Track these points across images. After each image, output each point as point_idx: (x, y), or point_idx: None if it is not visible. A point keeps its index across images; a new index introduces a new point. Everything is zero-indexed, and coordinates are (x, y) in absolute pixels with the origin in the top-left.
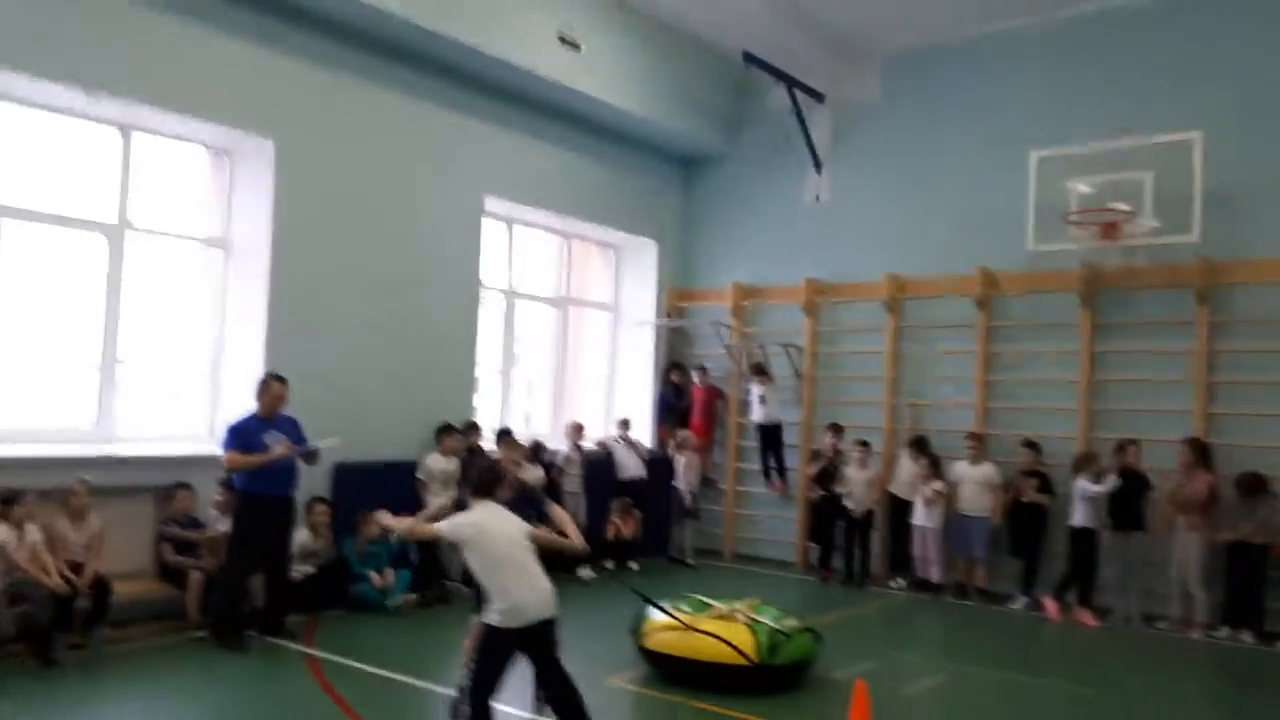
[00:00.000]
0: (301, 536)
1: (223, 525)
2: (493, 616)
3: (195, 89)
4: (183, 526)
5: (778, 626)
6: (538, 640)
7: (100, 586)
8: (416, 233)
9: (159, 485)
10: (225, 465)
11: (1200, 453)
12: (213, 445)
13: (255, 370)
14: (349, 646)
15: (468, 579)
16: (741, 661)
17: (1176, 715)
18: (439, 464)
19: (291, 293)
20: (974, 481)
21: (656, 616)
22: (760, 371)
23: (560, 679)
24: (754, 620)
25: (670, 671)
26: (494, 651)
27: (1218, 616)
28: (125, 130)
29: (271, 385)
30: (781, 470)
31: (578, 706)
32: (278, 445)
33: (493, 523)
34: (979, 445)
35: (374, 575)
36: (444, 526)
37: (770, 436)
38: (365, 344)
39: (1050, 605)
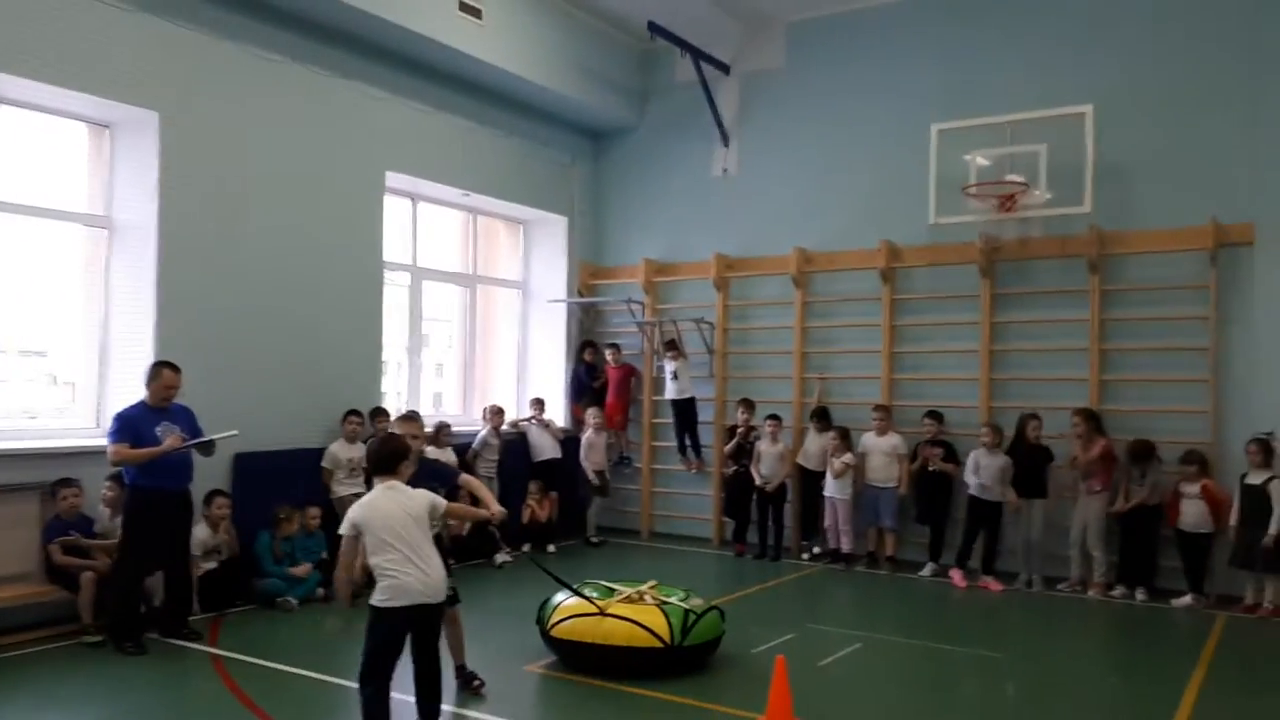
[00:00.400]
0: (200, 532)
1: (114, 522)
2: (377, 597)
3: (70, 59)
4: (72, 525)
5: (688, 607)
6: (421, 624)
7: None
8: (315, 209)
9: (44, 482)
10: (111, 459)
11: (1093, 420)
12: (102, 437)
13: (145, 357)
14: (255, 644)
15: None
16: (655, 644)
17: (1079, 672)
18: (345, 451)
19: (181, 274)
20: (881, 452)
21: (567, 603)
22: (672, 347)
23: (431, 669)
24: (664, 602)
25: (578, 658)
26: (380, 634)
27: (1114, 576)
28: None
29: (163, 373)
30: (697, 447)
31: (437, 695)
32: (169, 437)
33: (385, 501)
34: (885, 417)
35: (295, 570)
36: (342, 529)
37: (684, 413)
38: (263, 327)
39: (955, 574)
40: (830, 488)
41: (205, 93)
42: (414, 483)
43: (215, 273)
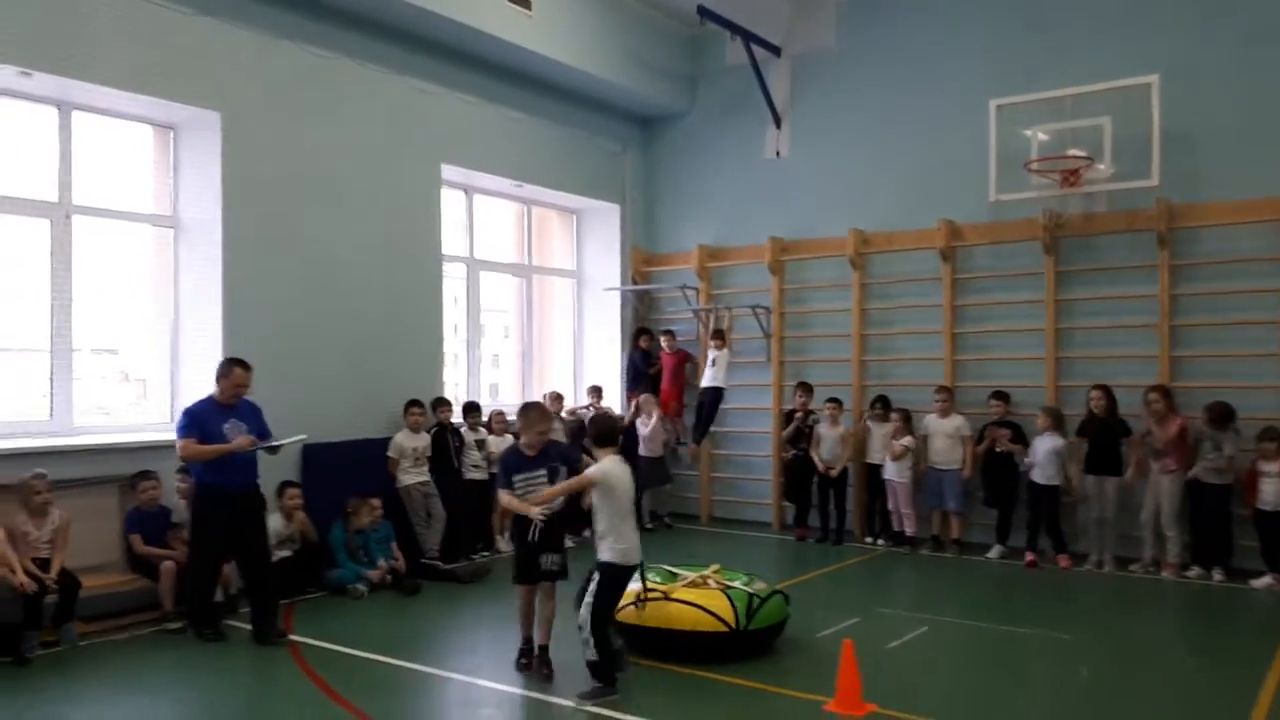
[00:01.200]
0: (274, 522)
1: (189, 513)
2: (613, 555)
3: (134, 63)
4: (151, 516)
5: (752, 590)
6: (627, 583)
7: (68, 581)
8: (373, 204)
9: (122, 475)
10: (179, 453)
11: (1170, 398)
12: (175, 432)
13: (214, 352)
14: (330, 631)
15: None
16: (720, 628)
17: (1154, 654)
18: (409, 441)
19: (246, 271)
20: (944, 434)
21: (630, 587)
22: (718, 336)
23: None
24: (728, 586)
25: (643, 642)
26: (616, 585)
27: (1189, 556)
28: (63, 108)
29: (234, 370)
30: (702, 432)
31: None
32: (238, 437)
33: (622, 471)
34: (948, 398)
35: (372, 573)
36: (593, 472)
37: (710, 401)
38: (326, 321)
39: (1028, 555)
40: (889, 470)
41: (265, 92)
42: (544, 460)
43: (278, 268)
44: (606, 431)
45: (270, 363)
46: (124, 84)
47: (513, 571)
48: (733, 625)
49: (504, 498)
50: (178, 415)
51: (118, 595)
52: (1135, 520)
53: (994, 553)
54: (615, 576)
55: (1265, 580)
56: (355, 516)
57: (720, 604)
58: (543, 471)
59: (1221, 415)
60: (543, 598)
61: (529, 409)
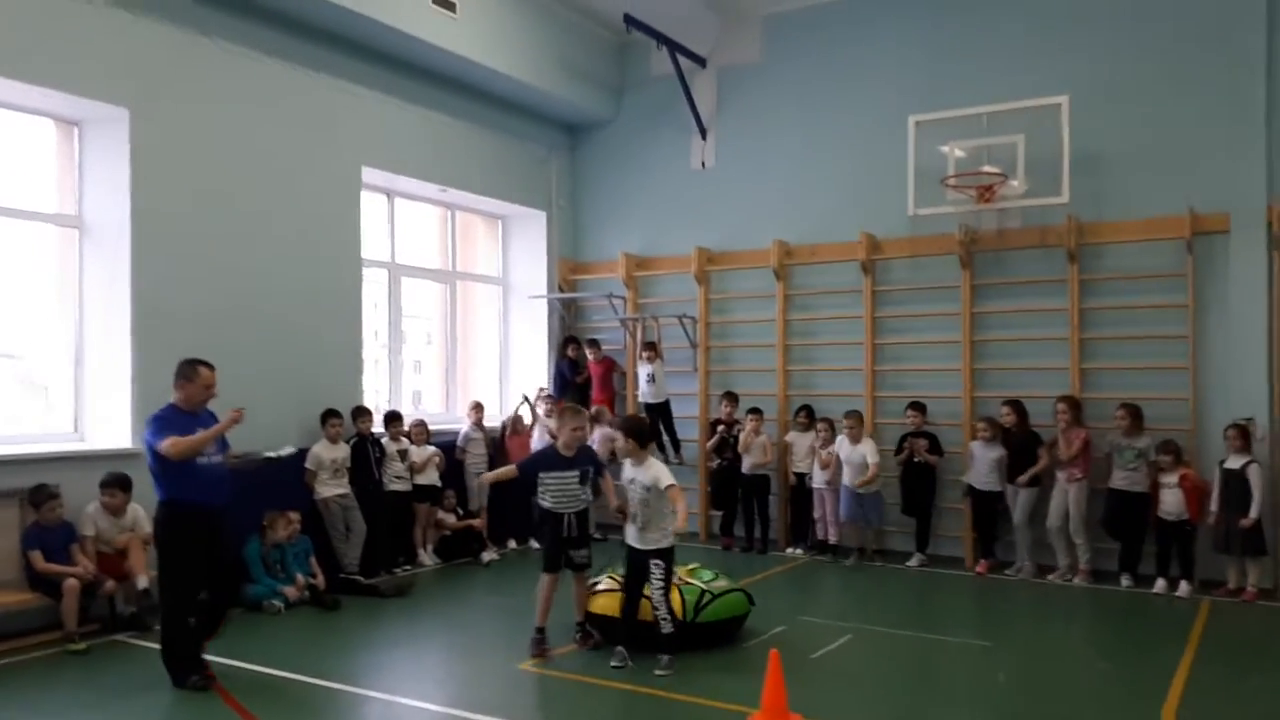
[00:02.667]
0: None
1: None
2: (668, 541)
3: (36, 54)
4: (52, 531)
5: (705, 587)
6: None
7: None
8: (291, 206)
9: (22, 489)
10: (170, 453)
11: (1076, 409)
12: (78, 442)
13: (122, 359)
14: (245, 649)
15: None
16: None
17: (1069, 659)
18: (328, 452)
19: (157, 274)
20: (851, 464)
21: (601, 584)
22: (650, 348)
23: None
24: (685, 582)
25: (608, 631)
26: (672, 564)
27: (1117, 564)
28: None
29: (200, 371)
30: (676, 444)
31: None
32: (231, 411)
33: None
34: (858, 424)
35: (289, 589)
36: (671, 481)
37: (661, 414)
38: (241, 327)
39: (982, 565)
40: (817, 479)
41: (177, 88)
42: (578, 462)
43: (191, 272)
44: (649, 431)
45: None
46: (25, 76)
47: (542, 562)
48: (680, 617)
49: (491, 475)
50: (83, 425)
51: (17, 614)
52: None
53: (914, 561)
54: (672, 558)
55: (1161, 585)
56: (271, 530)
57: (672, 598)
58: (575, 472)
59: (1137, 414)
60: (575, 584)
61: (564, 412)
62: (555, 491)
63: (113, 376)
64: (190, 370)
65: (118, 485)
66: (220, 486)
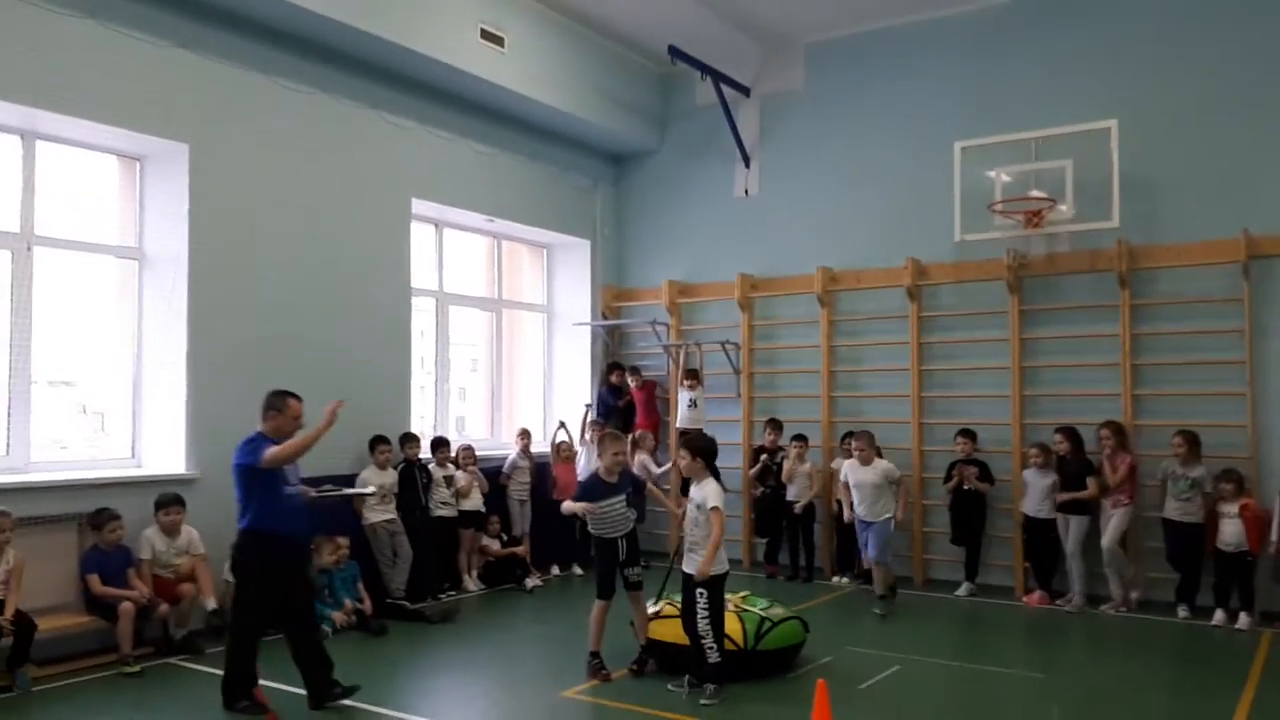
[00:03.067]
0: None
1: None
2: (720, 567)
3: (101, 93)
4: (109, 556)
5: (764, 614)
6: None
7: (23, 623)
8: (342, 238)
9: (80, 513)
10: (269, 463)
11: (1121, 434)
12: (135, 468)
13: (177, 386)
14: (294, 674)
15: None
16: (730, 647)
17: (1124, 692)
18: (375, 477)
19: (212, 305)
20: (863, 489)
21: (657, 608)
22: (692, 375)
23: None
24: (743, 609)
25: (667, 658)
26: (721, 591)
27: (1155, 594)
28: (27, 137)
29: (289, 403)
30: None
31: None
32: (331, 402)
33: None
34: (867, 444)
35: (337, 615)
36: (720, 495)
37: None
38: (293, 355)
39: (1034, 596)
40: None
41: (234, 124)
42: (620, 488)
43: (245, 302)
44: (713, 449)
45: (235, 397)
46: (90, 114)
47: (596, 588)
48: (741, 645)
49: (571, 505)
50: (140, 451)
51: (74, 637)
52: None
53: (963, 590)
54: (721, 584)
55: (1219, 617)
56: (318, 555)
57: (733, 626)
58: (621, 496)
59: (1194, 441)
60: (633, 605)
61: (604, 438)
62: (605, 517)
63: (169, 403)
64: (280, 401)
65: (175, 503)
66: (302, 516)
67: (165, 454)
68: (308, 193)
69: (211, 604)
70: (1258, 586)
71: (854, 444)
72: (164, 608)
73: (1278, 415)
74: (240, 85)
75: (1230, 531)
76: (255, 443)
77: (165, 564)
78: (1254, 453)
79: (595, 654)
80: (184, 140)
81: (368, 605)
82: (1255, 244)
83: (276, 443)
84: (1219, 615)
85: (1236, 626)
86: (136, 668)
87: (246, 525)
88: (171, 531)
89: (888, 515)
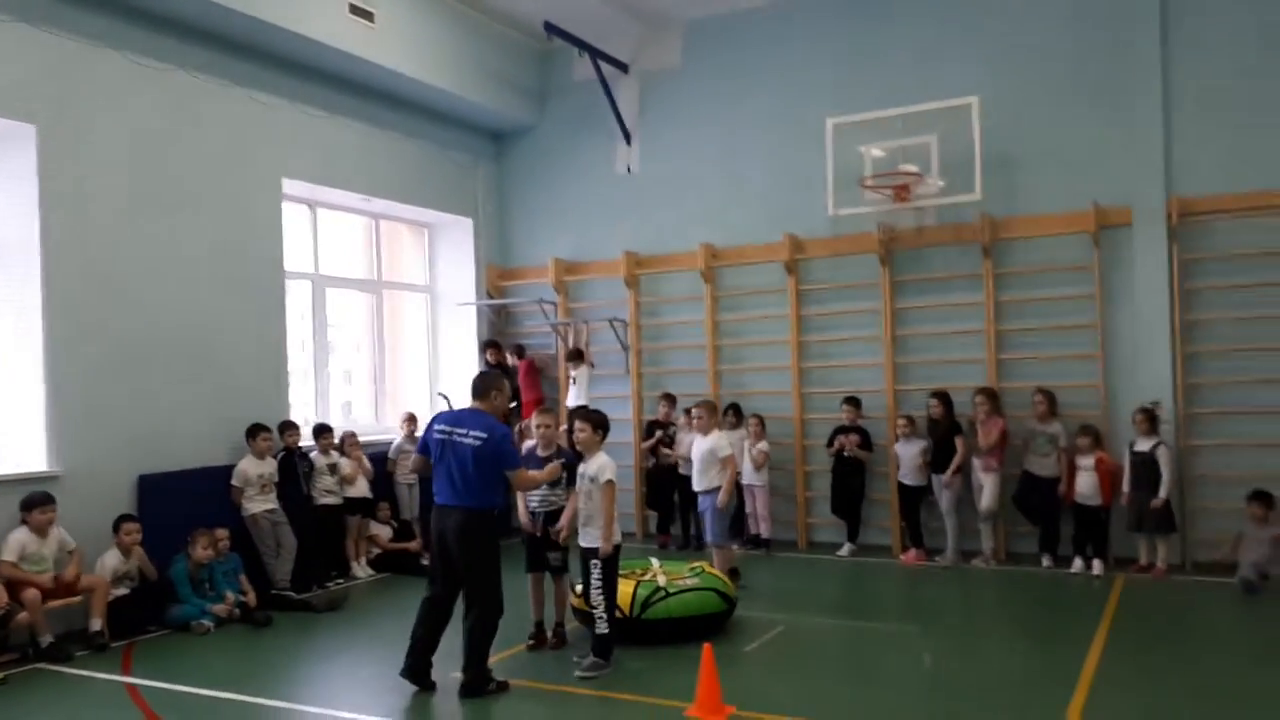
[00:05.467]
0: (111, 559)
1: None
2: (616, 539)
3: None
4: None
5: (661, 584)
6: None
7: None
8: (210, 220)
9: None
10: (524, 483)
11: (993, 400)
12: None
13: (35, 381)
14: (173, 669)
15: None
16: (619, 616)
17: (991, 639)
18: (255, 467)
19: (69, 292)
20: (699, 458)
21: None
22: (576, 356)
23: None
24: (641, 579)
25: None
26: (615, 563)
27: (1020, 547)
28: None
29: (505, 383)
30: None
31: None
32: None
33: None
34: (708, 415)
35: (218, 607)
36: (613, 468)
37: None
38: (162, 343)
39: (908, 555)
40: (748, 475)
41: (86, 103)
42: (556, 458)
43: (105, 289)
44: (608, 426)
45: (100, 389)
46: None
47: (524, 563)
48: (624, 612)
49: (537, 474)
50: None
51: None
52: (976, 515)
53: (845, 550)
54: (616, 557)
55: (1078, 565)
56: (200, 548)
57: (625, 592)
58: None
59: (1052, 399)
60: (555, 586)
61: (541, 411)
62: (537, 493)
63: (25, 397)
64: (500, 382)
65: (46, 502)
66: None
67: (24, 451)
68: (171, 173)
69: (97, 624)
70: (1111, 535)
71: (694, 411)
72: (23, 614)
73: (1127, 375)
74: (91, 62)
75: (1086, 483)
76: (505, 431)
77: (35, 563)
78: (1105, 410)
79: (536, 624)
80: (30, 120)
81: (251, 597)
82: (1103, 214)
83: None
84: (1077, 563)
85: (1093, 573)
86: (1, 675)
87: (488, 505)
88: (42, 531)
89: (715, 485)
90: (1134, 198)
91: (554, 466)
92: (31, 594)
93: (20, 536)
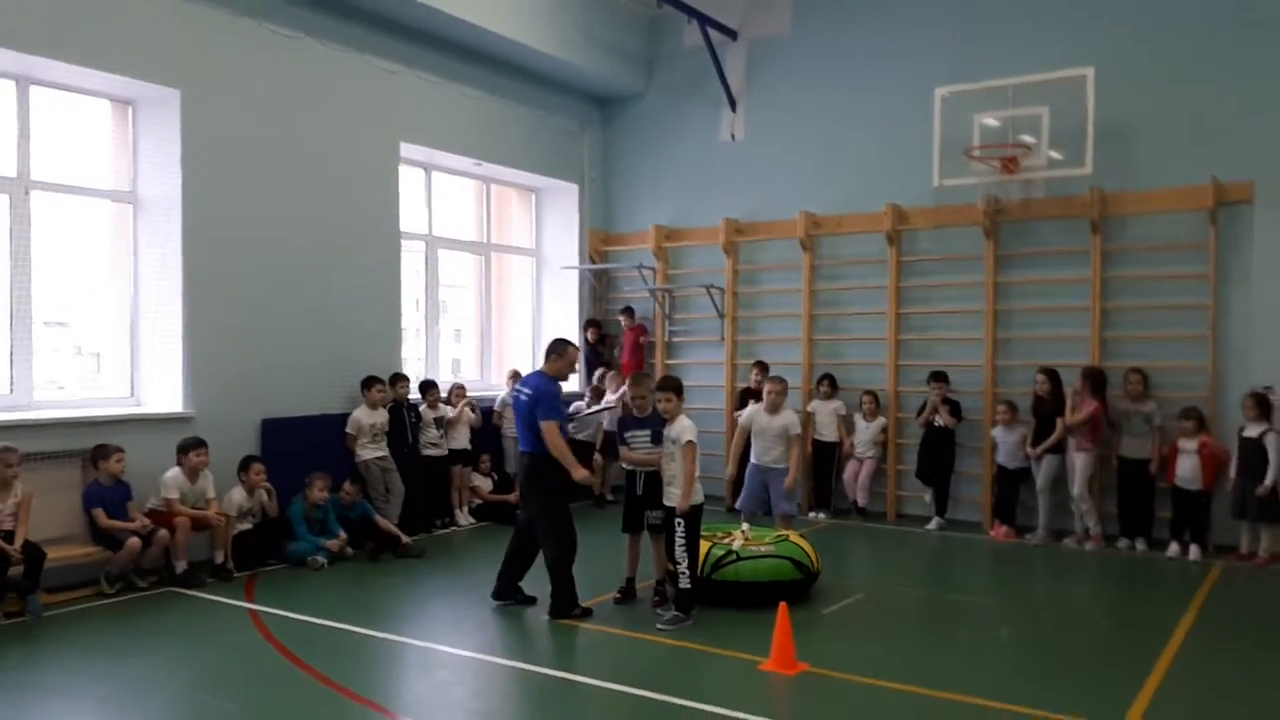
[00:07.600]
0: (236, 495)
1: None
2: (695, 499)
3: (93, 38)
4: (110, 491)
5: (735, 548)
6: None
7: (33, 552)
8: (332, 182)
9: (82, 449)
10: (554, 437)
11: (1091, 379)
12: (134, 406)
13: (173, 327)
14: (290, 599)
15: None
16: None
17: (1071, 617)
18: (368, 417)
19: (206, 247)
20: (767, 436)
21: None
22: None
23: None
24: (718, 540)
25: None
26: (698, 523)
27: (1117, 529)
28: (21, 83)
29: (570, 350)
30: None
31: None
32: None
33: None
34: (781, 389)
35: (331, 543)
36: (694, 430)
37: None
38: (285, 297)
39: (999, 529)
40: (862, 447)
41: (224, 70)
42: (649, 424)
43: (238, 245)
44: (682, 389)
45: (230, 339)
46: (83, 60)
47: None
48: (702, 574)
49: (623, 452)
50: (137, 389)
51: (81, 566)
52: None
53: (933, 524)
54: (699, 515)
55: (1174, 549)
56: (314, 490)
57: (701, 551)
58: (648, 431)
59: (1145, 377)
60: (653, 546)
61: (635, 378)
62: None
63: (165, 344)
64: (562, 348)
65: (200, 445)
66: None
67: (163, 393)
68: (298, 137)
69: (220, 557)
70: (1213, 521)
71: (771, 387)
72: (163, 533)
73: (1237, 358)
74: (229, 31)
75: (1187, 467)
76: (556, 396)
77: (192, 503)
78: (1213, 393)
79: (627, 580)
80: (175, 85)
81: (401, 536)
82: (1223, 191)
83: (555, 380)
84: (1173, 548)
85: (1189, 559)
86: (113, 589)
87: (539, 451)
88: (195, 472)
89: (784, 465)
90: (1258, 173)
91: (654, 455)
92: (183, 521)
93: (176, 475)
